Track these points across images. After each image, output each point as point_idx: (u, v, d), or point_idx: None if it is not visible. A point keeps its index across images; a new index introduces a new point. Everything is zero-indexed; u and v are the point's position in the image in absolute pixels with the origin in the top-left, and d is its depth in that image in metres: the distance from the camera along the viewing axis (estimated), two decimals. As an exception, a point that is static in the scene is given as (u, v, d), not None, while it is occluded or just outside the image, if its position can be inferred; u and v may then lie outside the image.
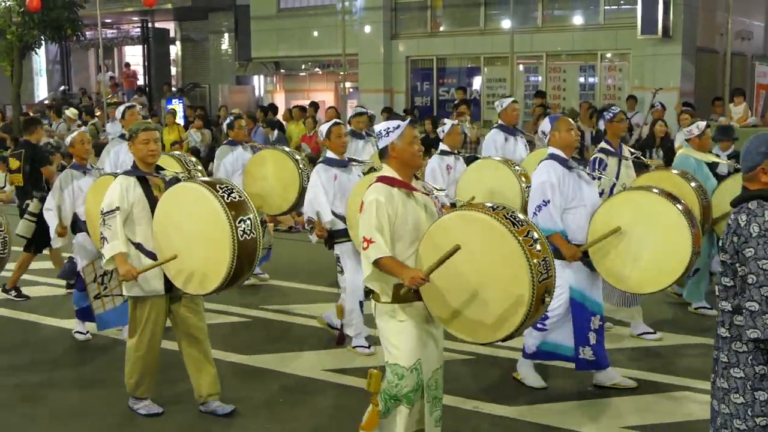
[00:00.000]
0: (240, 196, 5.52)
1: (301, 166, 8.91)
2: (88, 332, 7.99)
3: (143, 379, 6.04)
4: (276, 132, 16.70)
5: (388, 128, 4.76)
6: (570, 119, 6.52)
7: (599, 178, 7.20)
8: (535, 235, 4.57)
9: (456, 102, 16.47)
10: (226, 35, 27.67)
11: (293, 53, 25.08)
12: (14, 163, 9.70)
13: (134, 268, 5.67)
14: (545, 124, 6.44)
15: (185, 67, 29.95)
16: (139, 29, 29.72)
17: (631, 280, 6.14)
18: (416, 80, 22.93)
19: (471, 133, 13.59)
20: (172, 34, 30.28)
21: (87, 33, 26.98)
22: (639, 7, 18.23)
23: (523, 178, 8.06)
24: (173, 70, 30.70)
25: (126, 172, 5.95)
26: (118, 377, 6.26)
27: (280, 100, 25.48)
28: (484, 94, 21.76)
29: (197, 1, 26.51)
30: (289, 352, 7.56)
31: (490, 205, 4.72)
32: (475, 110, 19.67)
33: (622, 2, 20.17)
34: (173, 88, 27.95)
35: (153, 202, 5.77)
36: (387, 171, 4.79)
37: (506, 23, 20.39)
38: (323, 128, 7.60)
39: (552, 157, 6.30)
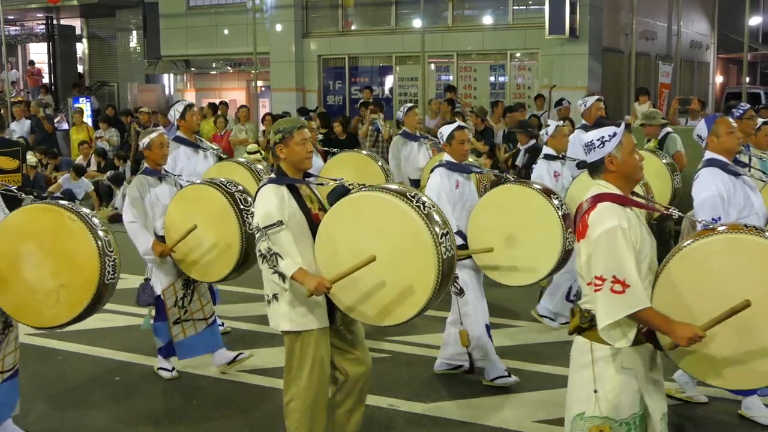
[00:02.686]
0: (429, 207, 4.65)
1: (379, 164, 8.27)
2: (174, 369, 6.92)
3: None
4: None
5: (603, 137, 3.97)
6: (729, 120, 5.70)
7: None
8: None
9: (363, 101, 16.61)
10: (135, 33, 27.09)
11: (204, 51, 24.74)
12: None
13: (324, 278, 4.65)
14: (701, 128, 5.65)
15: (92, 65, 29.20)
16: (43, 26, 28.93)
17: None
18: (328, 79, 22.83)
19: (384, 131, 13.56)
20: (78, 32, 29.50)
21: (-12, 30, 26.10)
22: (546, 7, 18.48)
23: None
24: (80, 68, 29.91)
25: (273, 180, 4.89)
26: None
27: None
28: (396, 93, 21.82)
29: (104, -2, 25.92)
30: (470, 398, 6.31)
31: (748, 224, 4.05)
32: (388, 109, 19.71)
33: (530, 2, 20.45)
34: (80, 87, 27.29)
35: (309, 217, 4.86)
36: (607, 187, 3.99)
37: (417, 22, 20.46)
38: (444, 130, 6.48)
39: (712, 163, 5.54)
